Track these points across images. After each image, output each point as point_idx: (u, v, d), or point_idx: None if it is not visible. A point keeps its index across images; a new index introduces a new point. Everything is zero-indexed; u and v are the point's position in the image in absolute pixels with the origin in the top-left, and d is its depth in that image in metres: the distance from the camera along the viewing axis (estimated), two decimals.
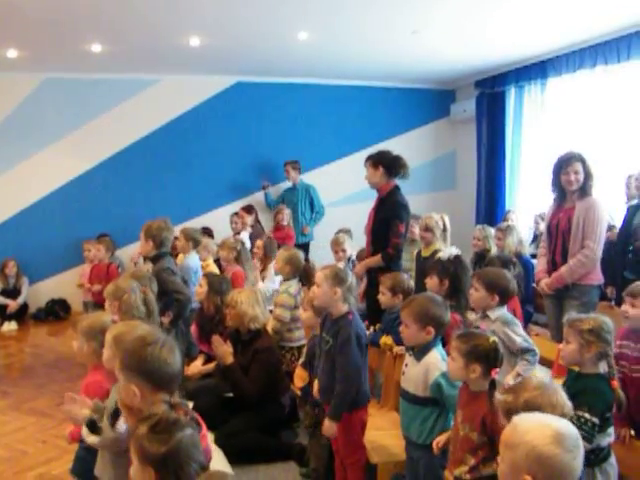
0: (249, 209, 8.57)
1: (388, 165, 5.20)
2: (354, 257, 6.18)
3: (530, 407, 2.08)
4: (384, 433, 3.85)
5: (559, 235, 4.83)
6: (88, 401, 2.86)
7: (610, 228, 6.30)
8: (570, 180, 4.73)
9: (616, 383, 2.76)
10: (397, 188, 5.24)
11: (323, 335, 3.66)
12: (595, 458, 2.69)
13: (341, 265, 5.15)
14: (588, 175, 4.73)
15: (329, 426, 3.50)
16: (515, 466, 1.76)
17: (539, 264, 5.12)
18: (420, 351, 3.18)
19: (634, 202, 5.70)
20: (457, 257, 4.34)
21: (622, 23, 6.37)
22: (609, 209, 6.46)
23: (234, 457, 3.85)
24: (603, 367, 2.83)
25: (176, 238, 5.90)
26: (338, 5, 5.80)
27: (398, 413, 3.50)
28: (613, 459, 2.79)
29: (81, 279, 7.63)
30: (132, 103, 8.76)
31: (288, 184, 9.14)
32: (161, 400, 2.24)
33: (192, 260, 5.91)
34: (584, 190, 4.73)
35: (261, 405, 4.47)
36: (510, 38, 7.06)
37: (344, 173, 9.31)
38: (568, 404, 2.21)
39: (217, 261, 6.76)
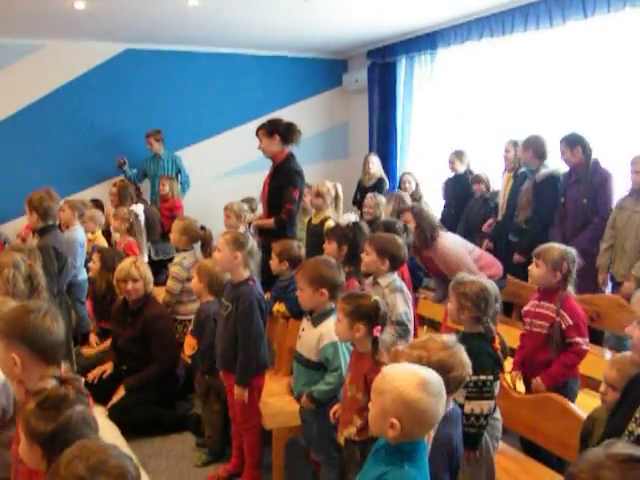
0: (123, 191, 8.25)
1: (284, 133, 5.22)
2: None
3: (443, 366, 2.20)
4: (278, 399, 3.91)
5: None
6: None
7: (495, 194, 6.56)
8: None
9: (497, 345, 2.90)
10: (292, 155, 5.30)
11: (222, 300, 3.68)
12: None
13: (241, 230, 5.14)
14: (422, 228, 4.88)
15: (239, 393, 3.55)
16: (384, 410, 1.90)
17: None
18: (318, 317, 3.22)
19: (521, 170, 5.93)
20: (356, 224, 4.42)
21: None
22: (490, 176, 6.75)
23: (129, 431, 3.82)
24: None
25: (62, 210, 5.67)
26: None
27: (292, 379, 3.56)
28: (498, 413, 2.95)
29: None
30: (13, 69, 8.23)
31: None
32: (50, 375, 2.18)
33: (78, 232, 5.72)
34: (426, 243, 4.91)
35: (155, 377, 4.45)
36: (399, 8, 7.13)
37: (237, 142, 9.21)
38: (470, 362, 2.34)
39: (105, 233, 6.60)
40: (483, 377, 2.75)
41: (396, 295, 3.66)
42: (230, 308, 3.55)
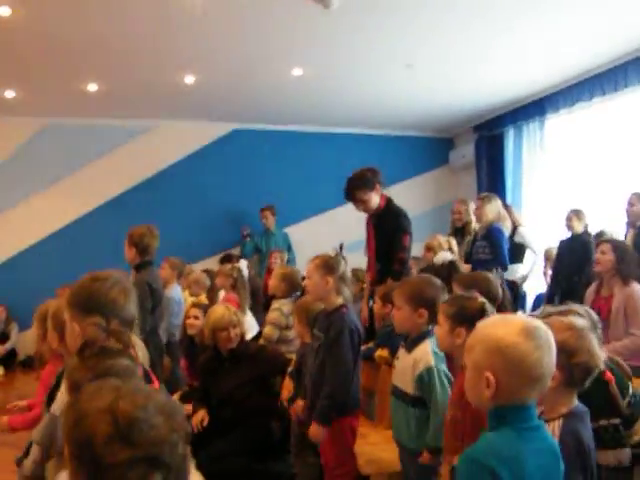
0: (228, 259, 8.34)
1: (361, 185, 4.84)
2: None
3: (566, 348, 1.90)
4: (377, 447, 3.57)
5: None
6: None
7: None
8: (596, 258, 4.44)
9: (609, 375, 2.44)
10: (390, 198, 4.94)
11: (315, 332, 3.43)
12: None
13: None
14: (624, 262, 4.29)
15: (316, 430, 3.19)
16: (477, 366, 1.61)
17: None
18: (413, 341, 2.94)
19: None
20: (451, 262, 4.14)
21: (616, 52, 6.33)
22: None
23: None
24: None
25: (162, 268, 5.85)
26: (331, 39, 5.80)
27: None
28: None
29: None
30: (128, 148, 8.75)
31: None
32: (95, 323, 2.00)
33: (175, 291, 5.78)
34: (623, 276, 4.31)
35: (249, 428, 4.19)
36: (505, 77, 7.04)
37: (341, 222, 9.17)
38: (602, 356, 2.01)
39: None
40: (603, 422, 2.41)
41: None
42: (322, 339, 3.28)
